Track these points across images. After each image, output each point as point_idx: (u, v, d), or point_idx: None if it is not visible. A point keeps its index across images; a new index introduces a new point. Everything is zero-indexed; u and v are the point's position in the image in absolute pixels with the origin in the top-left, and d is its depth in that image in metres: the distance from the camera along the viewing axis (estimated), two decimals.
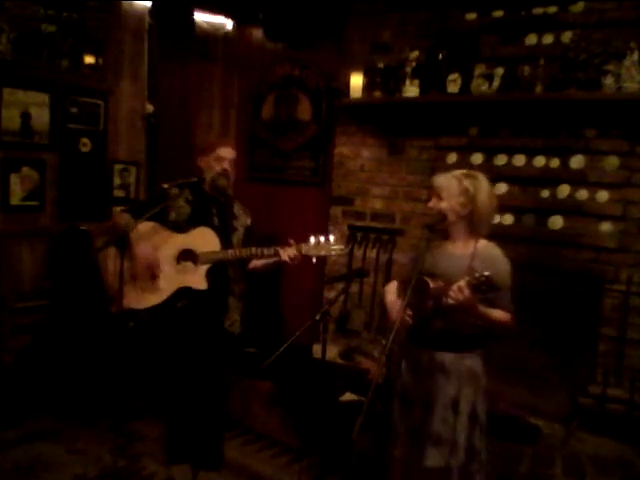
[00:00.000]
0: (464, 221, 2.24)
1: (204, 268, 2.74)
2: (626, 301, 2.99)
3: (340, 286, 3.73)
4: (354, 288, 3.95)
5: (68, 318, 3.66)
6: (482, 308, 2.12)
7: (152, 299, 2.78)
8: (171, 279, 2.76)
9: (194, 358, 2.86)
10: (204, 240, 2.76)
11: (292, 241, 2.66)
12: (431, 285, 2.16)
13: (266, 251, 2.73)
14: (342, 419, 2.87)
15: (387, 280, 3.80)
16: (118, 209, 2.88)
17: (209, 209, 2.89)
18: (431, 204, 2.30)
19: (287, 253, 2.65)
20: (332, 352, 3.72)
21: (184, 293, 2.76)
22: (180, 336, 2.88)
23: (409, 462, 2.29)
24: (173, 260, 2.79)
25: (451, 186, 2.23)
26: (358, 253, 3.96)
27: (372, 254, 3.91)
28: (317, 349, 3.76)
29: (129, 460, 3.05)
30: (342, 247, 2.69)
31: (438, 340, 2.25)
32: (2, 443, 3.13)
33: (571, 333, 3.08)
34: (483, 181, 2.25)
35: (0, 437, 3.20)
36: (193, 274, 2.74)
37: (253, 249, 2.76)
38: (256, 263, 2.90)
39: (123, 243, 2.60)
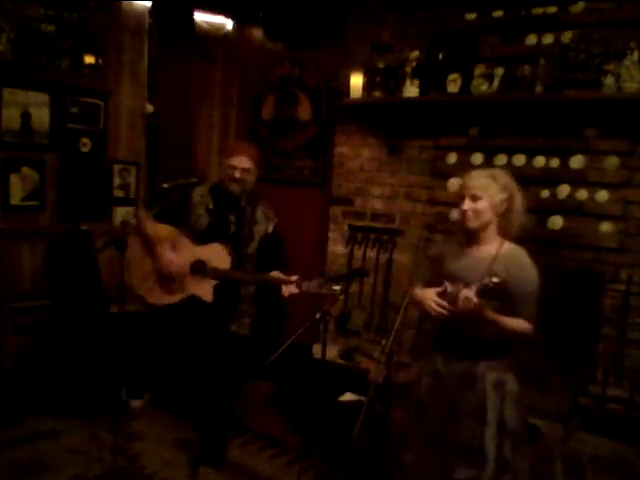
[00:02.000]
0: (495, 221, 2.19)
1: (213, 282, 2.86)
2: (626, 301, 2.99)
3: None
4: (354, 288, 3.95)
5: (68, 318, 3.66)
6: (494, 315, 2.06)
7: (166, 299, 2.94)
8: (184, 286, 2.90)
9: (199, 360, 2.97)
10: (216, 256, 2.87)
11: (296, 277, 2.72)
12: (448, 289, 2.12)
13: (270, 279, 2.82)
14: (342, 419, 2.87)
15: (387, 280, 3.81)
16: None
17: (227, 217, 2.99)
18: (466, 206, 2.16)
19: (289, 290, 2.71)
20: (332, 352, 3.72)
21: (191, 301, 2.88)
22: (185, 338, 3.02)
23: (424, 469, 2.25)
24: (187, 268, 2.91)
25: (490, 184, 2.16)
26: (358, 253, 3.96)
27: (372, 254, 3.92)
28: (317, 349, 3.76)
29: (129, 460, 3.05)
30: (339, 288, 2.62)
31: (463, 348, 2.20)
32: (2, 443, 3.13)
33: (571, 333, 3.08)
34: (510, 177, 2.22)
35: (0, 437, 3.19)
36: (203, 285, 2.86)
37: (256, 277, 2.92)
38: None
39: (122, 244, 2.63)
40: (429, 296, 2.14)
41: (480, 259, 2.18)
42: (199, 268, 2.87)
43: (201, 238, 2.94)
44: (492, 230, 2.21)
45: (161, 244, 2.90)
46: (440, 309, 2.11)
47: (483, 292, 1.96)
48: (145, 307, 3.89)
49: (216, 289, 2.85)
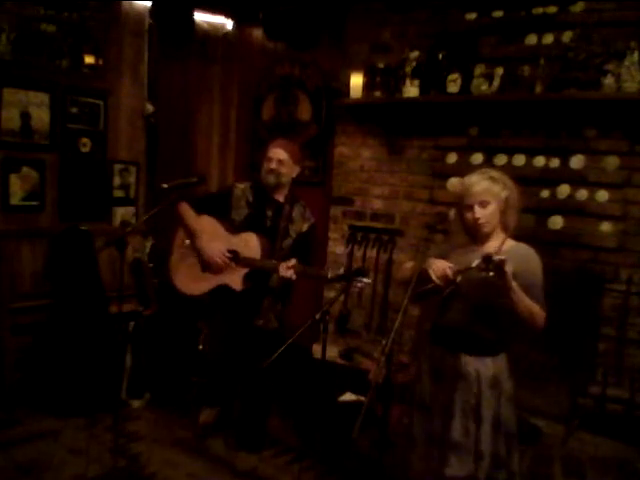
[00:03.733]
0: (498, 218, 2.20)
1: (244, 270, 2.93)
2: (626, 301, 2.99)
3: (340, 286, 3.73)
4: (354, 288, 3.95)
5: (68, 318, 3.66)
6: (514, 284, 2.01)
7: (196, 288, 3.03)
8: (215, 275, 2.98)
9: (233, 351, 3.11)
10: (248, 245, 2.95)
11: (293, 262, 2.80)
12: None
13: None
14: (342, 419, 2.87)
15: (387, 280, 3.81)
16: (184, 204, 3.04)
17: (264, 212, 3.06)
18: (478, 214, 2.14)
19: (284, 274, 2.77)
20: (332, 352, 3.72)
21: (222, 289, 2.96)
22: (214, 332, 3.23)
23: (428, 469, 2.24)
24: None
25: (492, 186, 2.15)
26: (358, 253, 3.96)
27: (372, 254, 3.92)
28: (317, 349, 3.76)
29: (129, 460, 3.05)
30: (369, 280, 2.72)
31: (460, 343, 2.20)
32: (2, 443, 3.13)
33: (571, 333, 3.08)
34: (503, 173, 2.22)
35: (0, 437, 3.19)
36: (233, 274, 2.94)
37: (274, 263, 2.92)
38: None
39: (122, 243, 2.63)
40: (441, 262, 2.13)
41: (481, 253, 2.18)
42: (233, 257, 2.94)
43: (238, 228, 3.03)
44: (497, 227, 2.22)
45: (202, 236, 2.99)
46: (449, 271, 2.09)
47: (487, 259, 1.93)
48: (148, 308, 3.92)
49: (246, 280, 2.93)
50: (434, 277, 2.11)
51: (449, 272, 2.09)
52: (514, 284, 2.01)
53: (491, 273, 1.95)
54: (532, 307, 2.08)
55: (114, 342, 3.73)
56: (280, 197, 3.07)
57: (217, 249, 2.94)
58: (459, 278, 2.10)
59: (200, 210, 3.03)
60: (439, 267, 2.12)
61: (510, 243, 2.21)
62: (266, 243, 2.96)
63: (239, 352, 3.07)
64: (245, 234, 2.97)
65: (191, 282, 3.04)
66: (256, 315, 3.00)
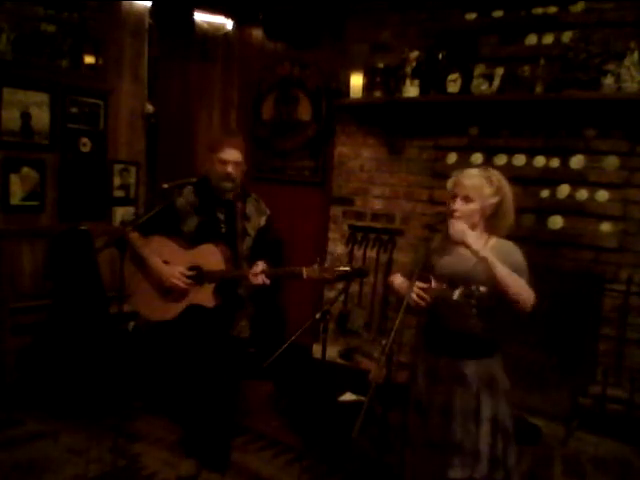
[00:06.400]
0: (482, 222, 2.19)
1: (212, 285, 2.74)
2: (626, 301, 3.00)
3: (340, 286, 3.73)
4: (354, 288, 3.95)
5: (68, 318, 3.66)
6: (502, 268, 2.01)
7: (163, 314, 2.82)
8: (182, 297, 2.79)
9: (200, 365, 2.87)
10: (210, 257, 2.73)
11: (261, 267, 2.63)
12: (432, 286, 2.13)
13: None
14: (342, 419, 2.87)
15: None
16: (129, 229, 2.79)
17: (216, 216, 2.85)
18: (457, 206, 2.14)
19: (256, 279, 2.60)
20: (332, 352, 3.72)
21: (193, 310, 2.78)
22: (186, 343, 2.89)
23: (426, 472, 2.24)
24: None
25: (484, 186, 2.14)
26: (358, 253, 3.97)
27: (372, 254, 3.92)
28: (317, 349, 3.77)
29: (129, 460, 3.05)
30: (347, 268, 2.56)
31: (454, 347, 2.19)
32: (2, 443, 3.13)
33: (571, 333, 3.08)
34: (504, 179, 2.20)
35: (0, 437, 3.19)
36: (201, 292, 2.74)
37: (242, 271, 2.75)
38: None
39: (123, 244, 2.60)
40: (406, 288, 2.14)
41: (465, 256, 2.17)
42: (196, 275, 2.75)
43: (192, 240, 2.80)
44: (478, 229, 2.20)
45: (156, 261, 2.78)
46: (419, 300, 2.10)
47: (468, 295, 1.98)
48: (143, 324, 3.88)
49: (217, 294, 2.75)
50: (410, 302, 2.12)
51: (422, 302, 2.10)
52: (498, 267, 2.01)
53: (474, 310, 2.00)
54: (519, 281, 2.05)
55: (114, 342, 3.73)
56: (229, 195, 2.83)
57: (175, 271, 2.71)
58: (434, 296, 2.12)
59: (147, 232, 2.77)
60: (411, 298, 2.10)
61: (494, 240, 2.20)
62: (227, 250, 2.74)
63: (210, 366, 2.85)
64: (203, 246, 2.73)
65: (157, 309, 2.82)
66: (230, 325, 2.86)
